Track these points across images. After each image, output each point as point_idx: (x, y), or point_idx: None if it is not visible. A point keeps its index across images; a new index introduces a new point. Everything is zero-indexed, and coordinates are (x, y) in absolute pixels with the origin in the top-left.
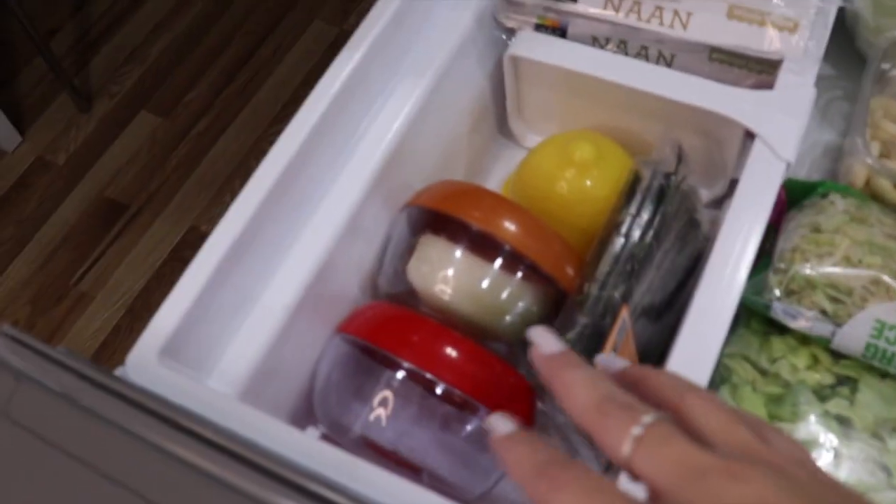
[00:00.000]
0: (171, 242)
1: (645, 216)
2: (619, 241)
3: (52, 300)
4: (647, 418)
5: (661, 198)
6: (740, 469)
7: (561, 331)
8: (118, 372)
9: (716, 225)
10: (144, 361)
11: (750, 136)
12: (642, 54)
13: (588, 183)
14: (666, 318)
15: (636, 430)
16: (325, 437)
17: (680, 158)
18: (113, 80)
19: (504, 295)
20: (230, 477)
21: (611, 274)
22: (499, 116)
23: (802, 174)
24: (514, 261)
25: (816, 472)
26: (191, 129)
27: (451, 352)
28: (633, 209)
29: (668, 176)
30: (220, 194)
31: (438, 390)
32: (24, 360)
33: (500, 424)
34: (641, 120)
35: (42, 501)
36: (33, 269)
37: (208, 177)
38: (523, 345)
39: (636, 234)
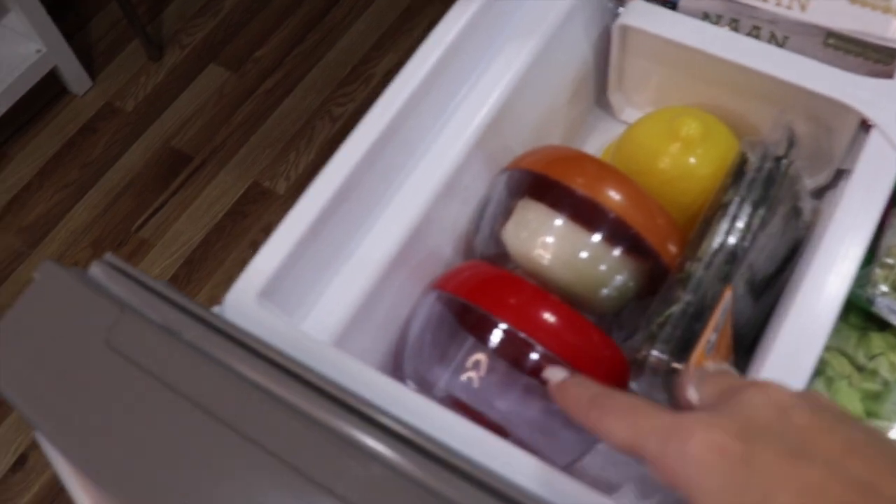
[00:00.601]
0: (232, 196)
1: (752, 198)
2: (726, 223)
3: (112, 245)
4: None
5: (770, 181)
6: (763, 382)
7: (661, 307)
8: (215, 309)
9: (817, 214)
10: (243, 302)
11: (865, 125)
12: (753, 34)
13: (692, 160)
14: (763, 300)
15: (696, 374)
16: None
17: (791, 142)
18: (185, 30)
19: (603, 266)
20: (322, 415)
21: (716, 255)
22: (597, 87)
23: None
24: (616, 231)
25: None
26: (259, 86)
27: (549, 316)
28: (742, 191)
29: (778, 159)
30: (284, 153)
31: (534, 355)
32: (126, 291)
33: (555, 374)
34: (749, 101)
35: (140, 430)
36: (96, 213)
37: (273, 135)
38: (615, 320)
39: (743, 216)
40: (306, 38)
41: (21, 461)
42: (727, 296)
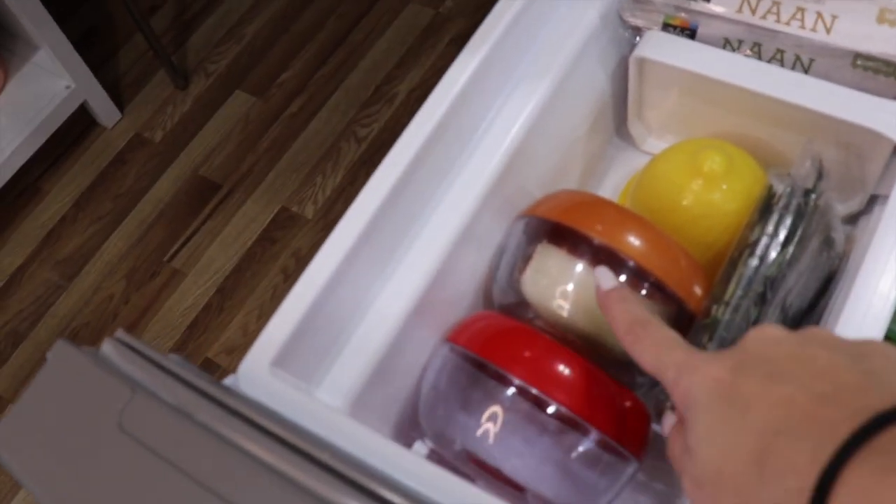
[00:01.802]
0: (261, 223)
1: (781, 236)
2: (754, 263)
3: (146, 276)
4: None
5: (799, 216)
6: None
7: None
8: (229, 380)
9: (851, 242)
10: (256, 372)
11: None
12: (777, 58)
13: (716, 196)
14: None
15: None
16: (433, 453)
17: (820, 174)
18: (209, 58)
19: None
20: (338, 498)
21: (744, 297)
22: (617, 117)
23: None
24: (637, 278)
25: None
26: (284, 111)
27: (563, 370)
28: (769, 228)
29: (807, 193)
30: (311, 176)
31: (549, 409)
32: (138, 370)
33: (605, 279)
34: (774, 129)
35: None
36: (129, 244)
37: (299, 159)
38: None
39: (772, 255)
40: (328, 60)
41: None
42: None
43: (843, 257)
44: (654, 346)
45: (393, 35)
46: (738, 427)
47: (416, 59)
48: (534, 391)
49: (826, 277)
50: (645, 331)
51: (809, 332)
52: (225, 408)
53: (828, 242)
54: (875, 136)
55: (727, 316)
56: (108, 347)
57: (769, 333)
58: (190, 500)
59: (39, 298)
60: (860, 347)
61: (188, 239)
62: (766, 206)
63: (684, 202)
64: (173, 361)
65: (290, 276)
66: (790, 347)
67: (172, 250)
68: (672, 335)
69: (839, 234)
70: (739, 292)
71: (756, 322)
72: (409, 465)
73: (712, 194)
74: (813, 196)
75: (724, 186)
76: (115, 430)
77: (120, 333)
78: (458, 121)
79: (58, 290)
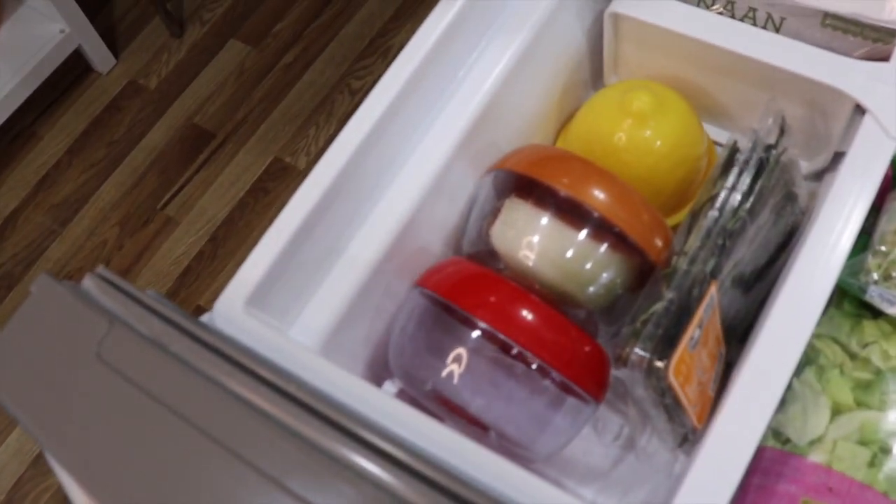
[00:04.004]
0: (254, 173)
1: (741, 189)
2: (713, 216)
3: (139, 223)
4: None
5: (759, 171)
6: None
7: (645, 304)
8: (205, 318)
9: (814, 198)
10: (231, 310)
11: (860, 109)
12: (749, 16)
13: (646, 134)
14: (755, 291)
15: None
16: (402, 392)
17: (782, 130)
18: (205, 6)
19: (589, 264)
20: (304, 429)
21: (702, 248)
22: (593, 73)
23: None
24: (602, 229)
25: None
26: (279, 61)
27: (527, 315)
28: (729, 182)
29: (768, 148)
30: (304, 127)
31: (513, 352)
32: (116, 303)
33: None
34: (743, 86)
35: (125, 441)
36: (123, 191)
37: (293, 110)
38: (603, 314)
39: (730, 208)
40: (324, 10)
41: None
42: (712, 291)
43: (806, 213)
44: None
45: None
46: None
47: (411, 12)
48: (498, 334)
49: (788, 232)
50: None
51: None
52: (199, 341)
53: (789, 197)
54: (836, 94)
55: (685, 266)
56: (88, 282)
57: None
58: (163, 426)
59: (33, 242)
60: None
61: (181, 187)
62: (728, 162)
63: (615, 140)
64: (150, 297)
65: None
66: None
67: (166, 198)
68: None
69: (802, 189)
70: (698, 243)
71: (714, 272)
72: (378, 402)
73: (641, 132)
74: (774, 152)
75: (652, 124)
76: (93, 360)
77: (101, 269)
78: (433, 72)
79: (51, 234)
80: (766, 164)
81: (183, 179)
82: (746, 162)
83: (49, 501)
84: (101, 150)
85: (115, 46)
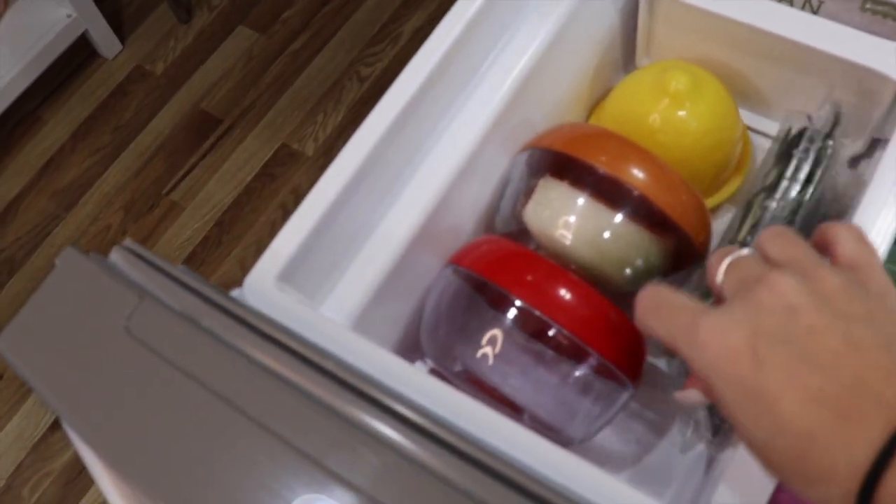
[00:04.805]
0: (261, 159)
1: (801, 178)
2: (772, 205)
3: (144, 208)
4: (736, 253)
5: (817, 162)
6: (775, 276)
7: (698, 293)
8: (235, 293)
9: (851, 186)
10: (262, 285)
11: None
12: None
13: (683, 114)
14: None
15: (726, 261)
16: (433, 371)
17: (837, 120)
18: None
19: (627, 245)
20: (337, 403)
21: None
22: (626, 53)
23: None
24: (640, 210)
25: (854, 296)
26: (287, 47)
27: (565, 294)
28: (789, 172)
29: (825, 138)
30: (312, 114)
31: (550, 332)
32: (146, 277)
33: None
34: (781, 69)
35: (156, 417)
36: (128, 176)
37: (301, 96)
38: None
39: (790, 197)
40: None
41: (60, 421)
42: None
43: (843, 198)
44: (662, 315)
45: None
46: (770, 426)
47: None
48: (535, 312)
49: (828, 216)
50: (655, 302)
51: (818, 282)
52: (231, 315)
53: (833, 186)
54: (879, 77)
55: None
56: (116, 255)
57: (784, 296)
58: (194, 402)
59: (37, 227)
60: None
61: (187, 173)
62: (783, 150)
63: (650, 121)
64: (181, 270)
65: (288, 213)
66: (810, 317)
67: (171, 183)
68: (679, 299)
69: (841, 178)
70: (755, 232)
71: None
72: (411, 377)
73: (678, 113)
74: (830, 142)
75: (689, 105)
76: (122, 335)
77: (128, 242)
78: (465, 52)
79: (55, 219)
80: (823, 154)
81: (189, 165)
82: (806, 151)
83: (50, 487)
84: (107, 136)
85: (121, 31)
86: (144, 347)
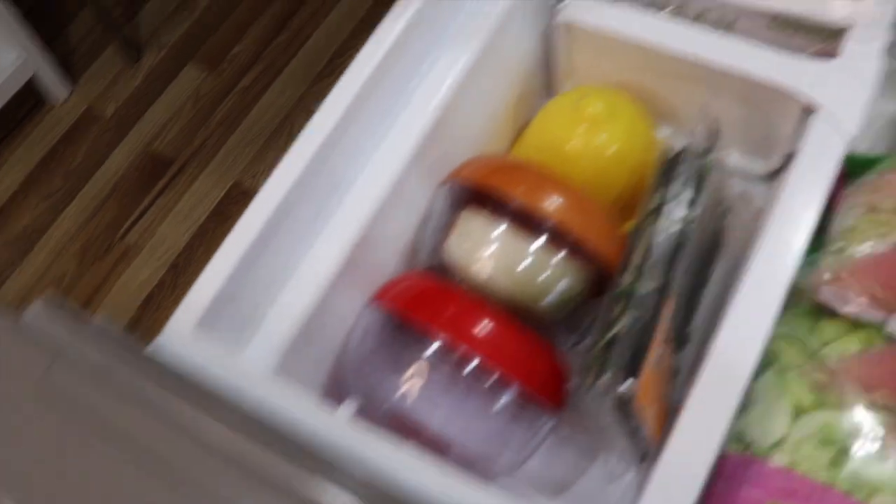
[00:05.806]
0: (214, 198)
1: (686, 198)
2: (662, 229)
3: (98, 253)
4: None
5: (701, 179)
6: None
7: (602, 324)
8: (157, 340)
9: (769, 200)
10: (181, 333)
11: (808, 108)
12: (701, 18)
13: (600, 139)
14: (692, 295)
15: None
16: (361, 410)
17: (715, 134)
18: (162, 28)
19: (546, 273)
20: (251, 458)
21: (652, 263)
22: (547, 81)
23: (864, 148)
24: (558, 238)
25: None
26: (236, 84)
27: (484, 325)
28: (672, 193)
29: (703, 154)
30: (264, 150)
31: (471, 365)
32: (61, 333)
33: None
34: (694, 88)
35: (70, 470)
36: (81, 220)
37: (252, 133)
38: (562, 322)
39: (677, 219)
40: (282, 31)
41: None
42: (670, 307)
43: (760, 214)
44: None
45: (346, 6)
46: None
47: (369, 31)
48: (455, 346)
49: (717, 230)
50: None
51: None
52: (143, 370)
53: (718, 200)
54: (785, 93)
55: (635, 282)
56: (31, 312)
57: None
58: (108, 458)
59: None
60: None
61: (140, 216)
62: (665, 171)
63: (569, 147)
64: (96, 326)
65: None
66: None
67: (125, 227)
68: None
69: (726, 190)
70: (651, 258)
71: (666, 287)
72: (331, 423)
73: (596, 137)
74: (709, 157)
75: (606, 129)
76: (37, 393)
77: (48, 296)
78: (384, 85)
79: (10, 266)
80: (705, 171)
81: (142, 208)
82: (687, 169)
83: None
84: (58, 181)
85: (71, 74)
86: (55, 408)
